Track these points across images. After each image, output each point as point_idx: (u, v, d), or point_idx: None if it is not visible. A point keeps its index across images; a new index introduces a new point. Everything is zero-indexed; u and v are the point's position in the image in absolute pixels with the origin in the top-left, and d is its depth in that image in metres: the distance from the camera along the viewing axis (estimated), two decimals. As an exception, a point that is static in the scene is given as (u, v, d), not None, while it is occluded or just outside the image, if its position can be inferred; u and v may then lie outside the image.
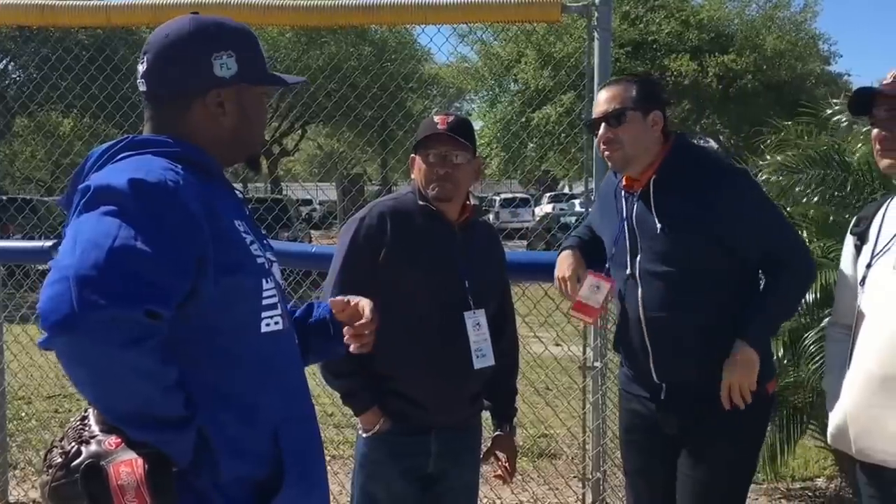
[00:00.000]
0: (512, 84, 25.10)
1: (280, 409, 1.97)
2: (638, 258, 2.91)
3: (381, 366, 2.91)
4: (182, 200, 1.80)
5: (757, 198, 2.96)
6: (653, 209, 2.87)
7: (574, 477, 5.38)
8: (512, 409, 3.21)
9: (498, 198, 27.77)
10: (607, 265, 3.05)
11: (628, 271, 2.94)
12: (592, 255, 3.20)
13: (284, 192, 25.32)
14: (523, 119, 21.12)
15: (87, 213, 1.76)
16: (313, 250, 3.70)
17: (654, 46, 23.43)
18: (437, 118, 2.93)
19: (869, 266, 2.55)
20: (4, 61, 23.67)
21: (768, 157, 5.62)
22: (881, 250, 2.53)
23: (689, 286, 2.84)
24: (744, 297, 2.90)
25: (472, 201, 3.05)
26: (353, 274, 2.88)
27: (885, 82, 2.51)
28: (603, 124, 2.91)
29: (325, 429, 6.27)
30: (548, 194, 32.80)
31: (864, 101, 2.55)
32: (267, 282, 1.96)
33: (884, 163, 2.52)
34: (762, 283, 2.96)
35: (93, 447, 1.76)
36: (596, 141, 2.97)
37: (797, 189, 4.99)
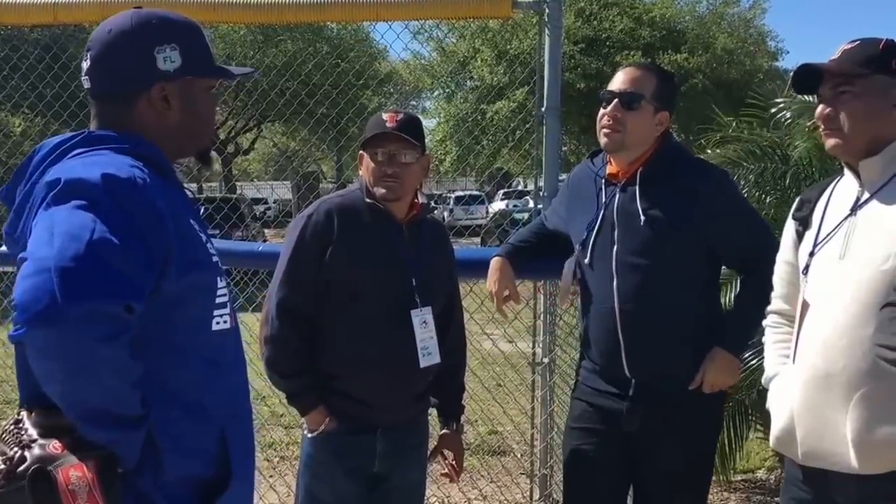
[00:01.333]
0: (468, 81, 25.09)
1: (226, 408, 1.97)
2: (615, 249, 2.91)
3: (326, 364, 2.90)
4: (150, 198, 1.80)
5: (739, 201, 3.02)
6: (637, 201, 2.88)
7: (522, 474, 5.41)
8: (459, 406, 3.21)
9: (452, 195, 27.76)
10: (575, 256, 3.05)
11: (604, 262, 2.93)
12: (529, 258, 3.24)
13: (238, 191, 25.10)
14: (478, 115, 21.12)
15: (57, 206, 1.75)
16: (260, 249, 3.66)
17: (608, 43, 23.55)
18: (385, 116, 2.91)
19: (812, 254, 2.40)
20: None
21: (709, 152, 5.70)
22: (825, 238, 2.38)
23: (665, 280, 2.86)
24: (710, 295, 2.98)
25: (421, 199, 3.04)
26: (300, 271, 2.88)
27: (831, 59, 2.36)
28: (616, 100, 2.90)
29: (274, 429, 6.25)
30: (501, 191, 32.84)
31: (810, 80, 2.39)
32: (221, 280, 1.97)
33: (829, 143, 2.36)
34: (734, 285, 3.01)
35: (36, 451, 1.73)
36: (600, 114, 2.94)
37: (740, 184, 5.07)
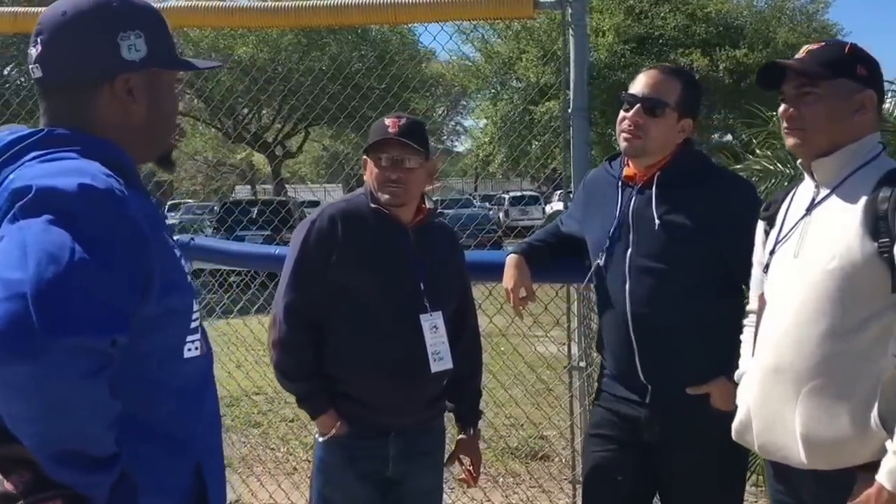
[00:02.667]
0: (514, 81, 24.95)
1: (198, 438, 1.82)
2: (629, 252, 2.84)
3: (336, 369, 2.89)
4: (130, 212, 1.62)
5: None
6: (653, 204, 2.81)
7: (565, 479, 5.33)
8: (476, 411, 3.18)
9: (507, 196, 27.77)
10: (593, 260, 2.97)
11: (617, 265, 2.87)
12: (546, 258, 3.17)
13: (292, 194, 25.33)
14: (527, 116, 20.98)
15: (27, 220, 1.55)
16: (276, 252, 3.65)
17: (661, 41, 23.26)
18: (388, 121, 2.89)
19: (772, 252, 2.45)
20: (8, 67, 23.71)
21: (758, 152, 5.55)
22: (784, 236, 2.42)
23: (679, 285, 2.78)
24: (730, 304, 2.86)
25: (429, 203, 3.02)
26: (304, 276, 2.87)
27: (797, 57, 2.40)
28: (638, 105, 2.83)
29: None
30: (558, 192, 32.62)
31: (774, 76, 2.43)
32: (196, 303, 1.81)
33: (789, 141, 2.40)
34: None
35: None
36: (621, 117, 2.87)
37: (782, 186, 4.92)
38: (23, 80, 22.74)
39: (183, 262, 1.80)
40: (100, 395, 1.54)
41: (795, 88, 2.36)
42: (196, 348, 1.82)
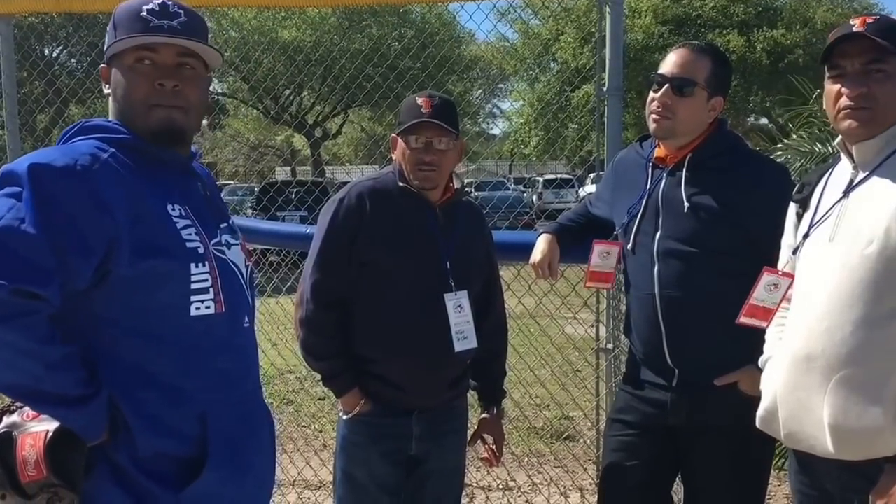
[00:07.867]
0: (551, 63, 24.79)
1: (208, 391, 1.99)
2: (658, 235, 2.83)
3: (360, 348, 2.90)
4: (90, 185, 1.85)
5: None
6: (682, 187, 2.79)
7: (588, 460, 5.34)
8: (500, 391, 3.18)
9: (541, 178, 27.65)
10: (622, 242, 2.97)
11: (645, 247, 2.85)
12: (576, 240, 3.16)
13: (329, 175, 25.41)
14: (563, 99, 20.86)
15: None
16: (305, 231, 3.68)
17: (699, 22, 23.02)
18: (420, 100, 2.86)
19: (806, 236, 2.36)
20: (57, 50, 23.89)
21: (794, 136, 5.49)
22: (819, 220, 2.33)
23: (708, 268, 2.76)
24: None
25: (456, 182, 3.01)
26: (332, 254, 2.88)
27: (855, 29, 2.23)
28: (667, 85, 2.80)
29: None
30: (591, 174, 32.39)
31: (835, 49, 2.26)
32: (197, 266, 1.97)
33: (852, 124, 2.25)
34: None
35: (13, 417, 1.88)
36: (650, 98, 2.85)
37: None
38: (73, 62, 22.88)
39: (189, 230, 1.97)
40: (16, 338, 1.76)
41: (863, 65, 2.22)
42: (208, 307, 1.98)
